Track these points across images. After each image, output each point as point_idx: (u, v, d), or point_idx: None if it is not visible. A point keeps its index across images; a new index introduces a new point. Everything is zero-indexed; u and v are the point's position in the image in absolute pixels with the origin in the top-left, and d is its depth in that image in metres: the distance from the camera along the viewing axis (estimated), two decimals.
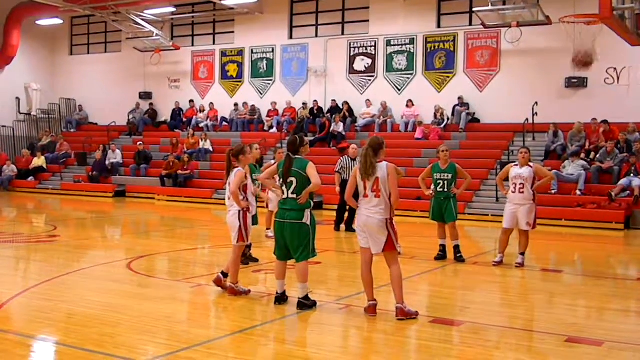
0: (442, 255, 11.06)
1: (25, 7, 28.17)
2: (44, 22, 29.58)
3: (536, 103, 20.47)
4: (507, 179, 10.76)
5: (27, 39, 29.78)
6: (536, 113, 20.41)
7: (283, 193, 7.48)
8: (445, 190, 11.01)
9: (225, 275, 8.33)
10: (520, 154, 10.56)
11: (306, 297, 7.54)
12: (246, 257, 9.83)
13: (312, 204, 7.51)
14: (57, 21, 29.42)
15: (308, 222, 7.38)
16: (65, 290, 8.66)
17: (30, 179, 26.54)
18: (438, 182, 11.07)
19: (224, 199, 8.72)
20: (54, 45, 31.74)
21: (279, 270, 7.69)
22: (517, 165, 10.60)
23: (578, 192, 17.94)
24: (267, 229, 13.10)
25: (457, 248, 11.06)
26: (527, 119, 20.44)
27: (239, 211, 8.08)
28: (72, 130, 30.22)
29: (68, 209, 21.46)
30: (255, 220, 9.65)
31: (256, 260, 10.38)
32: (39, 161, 27.09)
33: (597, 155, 18.84)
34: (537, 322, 7.55)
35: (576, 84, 20.94)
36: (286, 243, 7.47)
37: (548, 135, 20.22)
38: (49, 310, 7.49)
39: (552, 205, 17.48)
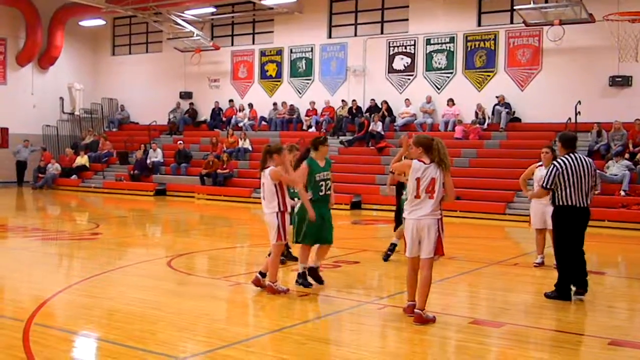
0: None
1: (69, 8, 28.68)
2: (87, 23, 30.09)
3: (579, 102, 20.13)
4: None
5: (70, 40, 30.34)
6: (579, 112, 20.05)
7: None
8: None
9: (263, 275, 8.37)
10: (542, 154, 10.21)
11: (300, 274, 8.63)
12: (284, 256, 9.84)
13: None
14: (99, 22, 29.91)
15: (294, 210, 8.56)
16: (107, 287, 8.79)
17: (74, 177, 27.01)
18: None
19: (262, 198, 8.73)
20: (96, 45, 32.26)
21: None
22: (542, 165, 10.34)
23: (622, 193, 17.61)
24: None
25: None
26: (569, 119, 20.10)
27: (277, 211, 8.09)
28: (114, 130, 30.68)
29: (110, 207, 21.79)
30: (292, 220, 9.66)
31: (296, 259, 10.37)
32: (82, 160, 27.57)
33: None
34: (579, 324, 7.43)
35: (621, 82, 20.53)
36: None
37: (591, 135, 19.87)
38: (91, 306, 7.61)
39: (595, 206, 17.03)
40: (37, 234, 14.22)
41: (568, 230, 8.16)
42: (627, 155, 18.71)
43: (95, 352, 6.18)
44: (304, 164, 8.44)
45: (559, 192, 8.08)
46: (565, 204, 8.06)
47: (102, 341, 6.36)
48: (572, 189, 8.01)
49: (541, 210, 10.29)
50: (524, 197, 18.69)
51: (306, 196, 8.35)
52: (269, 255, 8.43)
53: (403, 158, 8.65)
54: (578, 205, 8.05)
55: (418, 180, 6.94)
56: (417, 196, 6.95)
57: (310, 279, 8.61)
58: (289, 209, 8.26)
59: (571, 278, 8.21)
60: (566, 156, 8.14)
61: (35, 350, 5.85)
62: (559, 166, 8.05)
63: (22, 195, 24.80)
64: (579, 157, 8.20)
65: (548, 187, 8.17)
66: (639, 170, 18.08)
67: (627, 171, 17.93)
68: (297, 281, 8.62)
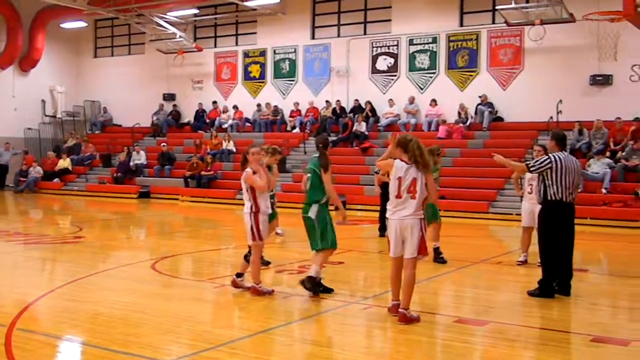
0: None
1: (50, 10, 28.47)
2: (68, 25, 29.89)
3: (560, 101, 20.28)
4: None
5: (51, 42, 30.14)
6: (560, 111, 20.21)
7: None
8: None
9: (239, 275, 8.39)
10: (535, 152, 10.23)
11: (313, 279, 8.00)
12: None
13: (323, 200, 7.99)
14: (81, 24, 29.70)
15: (312, 216, 7.96)
16: (91, 290, 8.74)
17: (56, 180, 26.83)
18: None
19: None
20: (78, 48, 32.06)
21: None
22: None
23: (604, 191, 17.75)
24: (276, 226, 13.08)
25: None
26: (551, 117, 20.26)
27: (249, 212, 8.13)
28: (96, 132, 30.53)
29: (93, 210, 21.66)
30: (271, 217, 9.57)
31: (267, 264, 10.27)
32: (64, 163, 27.38)
33: (623, 153, 18.64)
34: (562, 321, 7.48)
35: (601, 81, 20.71)
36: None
37: (573, 133, 20.00)
38: (74, 310, 7.56)
39: (577, 203, 17.13)
40: (19, 238, 14.10)
41: (555, 225, 8.30)
42: (608, 154, 18.89)
43: (78, 357, 6.14)
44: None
45: (549, 188, 8.23)
46: (554, 199, 8.22)
47: (85, 345, 6.31)
48: (561, 185, 8.18)
49: (530, 209, 10.35)
50: (507, 195, 18.87)
51: (338, 199, 8.15)
52: (245, 256, 8.51)
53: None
54: (565, 200, 8.25)
55: (400, 179, 6.96)
56: (399, 196, 6.95)
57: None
58: (263, 210, 8.19)
59: (555, 276, 8.29)
60: (559, 153, 8.32)
61: (18, 356, 5.80)
62: (553, 161, 8.21)
63: (3, 199, 24.58)
64: (569, 155, 8.43)
65: (532, 170, 8.37)
66: (620, 168, 18.23)
67: (608, 169, 18.09)
68: (316, 291, 8.06)
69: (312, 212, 7.99)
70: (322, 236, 7.98)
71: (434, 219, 10.65)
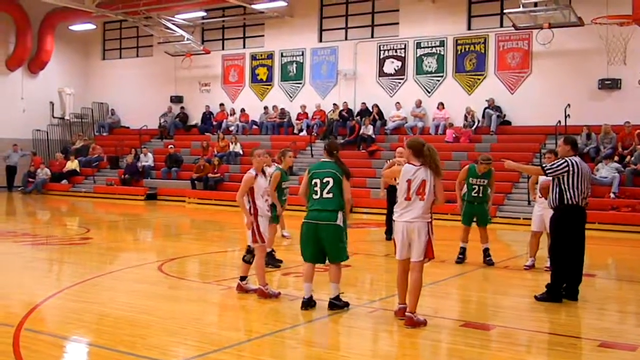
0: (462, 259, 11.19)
1: (59, 12, 28.56)
2: (77, 27, 30.00)
3: (569, 105, 20.20)
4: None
5: (60, 44, 30.23)
6: (569, 115, 20.13)
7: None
8: (480, 195, 11.10)
9: (242, 279, 8.40)
10: (545, 158, 10.24)
11: (337, 298, 7.62)
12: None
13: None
14: (89, 26, 29.83)
15: (341, 224, 7.47)
16: (98, 292, 8.76)
17: (64, 182, 26.89)
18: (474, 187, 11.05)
19: None
20: (86, 50, 32.16)
21: (308, 273, 7.70)
22: None
23: (612, 195, 17.67)
24: (282, 229, 13.13)
25: (487, 251, 11.04)
26: (559, 121, 20.17)
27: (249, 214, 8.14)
28: (104, 134, 30.58)
29: (100, 211, 21.71)
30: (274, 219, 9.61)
31: (277, 266, 10.32)
32: (72, 164, 27.44)
33: (632, 158, 18.56)
34: (570, 326, 7.45)
35: (610, 85, 20.62)
36: (321, 244, 7.50)
37: (581, 137, 19.92)
38: (81, 311, 7.58)
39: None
40: (27, 238, 14.14)
41: (569, 230, 8.27)
42: (616, 158, 18.80)
43: (85, 357, 6.16)
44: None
45: (566, 192, 8.19)
46: (570, 203, 8.18)
47: (92, 346, 6.33)
48: (577, 189, 8.17)
49: (541, 214, 10.32)
50: (514, 200, 18.83)
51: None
52: (243, 258, 8.50)
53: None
54: (581, 205, 8.25)
55: (409, 182, 6.97)
56: (408, 198, 6.96)
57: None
58: (261, 213, 8.16)
59: (564, 281, 8.26)
60: (574, 158, 8.30)
61: (26, 356, 5.83)
62: (570, 164, 8.17)
63: (11, 200, 24.68)
64: (582, 160, 8.42)
65: (549, 173, 8.30)
66: (629, 172, 18.16)
67: (616, 174, 18.01)
68: (336, 304, 7.58)
69: (340, 220, 7.43)
70: (344, 247, 7.54)
71: (483, 223, 11.12)
